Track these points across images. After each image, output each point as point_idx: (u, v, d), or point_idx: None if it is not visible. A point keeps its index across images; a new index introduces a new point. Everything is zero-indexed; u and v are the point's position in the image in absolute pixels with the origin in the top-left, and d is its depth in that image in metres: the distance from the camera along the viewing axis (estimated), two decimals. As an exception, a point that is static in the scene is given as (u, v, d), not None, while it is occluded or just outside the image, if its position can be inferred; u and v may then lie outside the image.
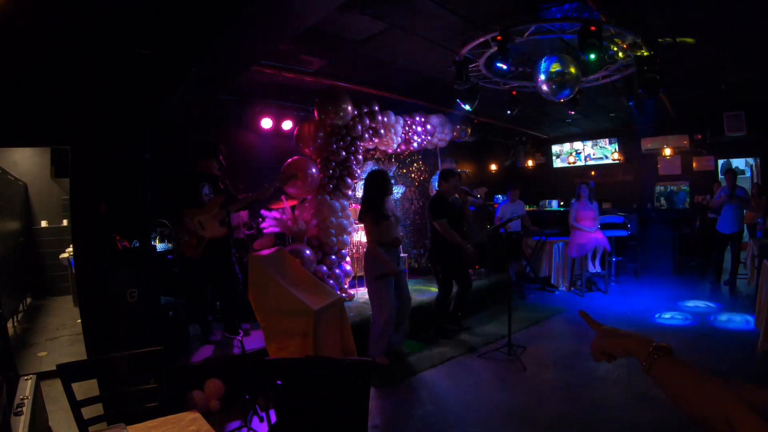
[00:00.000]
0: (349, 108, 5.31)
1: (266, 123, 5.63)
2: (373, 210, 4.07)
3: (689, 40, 4.52)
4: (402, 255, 5.07)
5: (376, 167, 7.10)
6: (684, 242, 8.08)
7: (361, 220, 4.26)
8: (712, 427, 0.71)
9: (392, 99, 6.09)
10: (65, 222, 7.10)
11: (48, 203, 7.30)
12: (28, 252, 6.80)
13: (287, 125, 5.78)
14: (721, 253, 7.04)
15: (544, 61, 4.35)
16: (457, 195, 4.98)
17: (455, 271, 4.98)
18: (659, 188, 9.47)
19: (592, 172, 10.32)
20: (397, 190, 7.22)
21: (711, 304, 5.93)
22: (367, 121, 5.67)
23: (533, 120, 8.62)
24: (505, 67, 4.20)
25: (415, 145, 6.72)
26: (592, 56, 3.67)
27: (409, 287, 4.57)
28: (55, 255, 6.79)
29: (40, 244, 7.13)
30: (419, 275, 6.90)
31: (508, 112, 5.69)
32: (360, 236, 6.08)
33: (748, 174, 9.56)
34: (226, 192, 4.14)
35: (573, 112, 6.55)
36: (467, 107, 5.28)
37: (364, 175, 6.86)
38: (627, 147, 9.80)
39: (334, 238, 5.34)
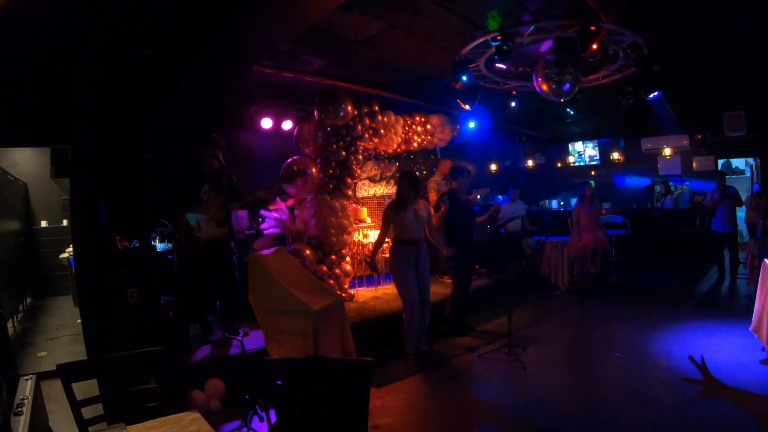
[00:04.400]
0: (349, 108, 5.31)
1: (266, 123, 5.63)
2: (394, 202, 4.41)
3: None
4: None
5: (377, 167, 7.13)
6: (684, 242, 8.08)
7: None
8: None
9: (392, 99, 6.09)
10: (65, 222, 7.10)
11: (48, 203, 7.29)
12: (28, 252, 6.80)
13: (287, 125, 5.78)
14: (720, 252, 7.05)
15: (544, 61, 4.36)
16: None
17: (464, 268, 5.01)
18: (659, 188, 9.48)
19: (592, 172, 10.32)
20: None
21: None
22: (367, 121, 5.67)
23: (533, 120, 8.62)
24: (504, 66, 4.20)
25: (415, 145, 6.71)
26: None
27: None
28: (55, 255, 6.79)
29: (40, 244, 7.13)
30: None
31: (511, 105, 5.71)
32: (359, 236, 6.08)
33: (748, 174, 9.57)
34: (228, 189, 4.08)
35: (572, 112, 6.56)
36: (467, 107, 5.29)
37: (364, 176, 6.91)
38: (627, 147, 9.81)
39: (334, 239, 5.33)
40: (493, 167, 10.57)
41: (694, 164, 9.00)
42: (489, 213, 5.35)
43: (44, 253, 7.08)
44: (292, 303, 3.47)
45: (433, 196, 6.52)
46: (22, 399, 1.88)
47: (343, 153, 5.47)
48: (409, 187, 4.33)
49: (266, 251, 3.96)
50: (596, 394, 3.54)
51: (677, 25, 4.25)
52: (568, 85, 4.53)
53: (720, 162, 8.85)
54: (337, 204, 5.42)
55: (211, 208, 3.94)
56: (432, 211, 4.69)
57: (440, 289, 5.83)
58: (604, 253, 6.85)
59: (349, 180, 5.61)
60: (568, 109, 6.52)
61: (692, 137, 8.77)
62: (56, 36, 3.01)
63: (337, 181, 5.50)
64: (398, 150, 6.68)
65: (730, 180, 8.12)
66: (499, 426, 3.17)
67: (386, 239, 4.61)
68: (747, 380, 3.61)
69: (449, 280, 5.51)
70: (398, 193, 4.42)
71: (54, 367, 1.92)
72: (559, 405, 3.40)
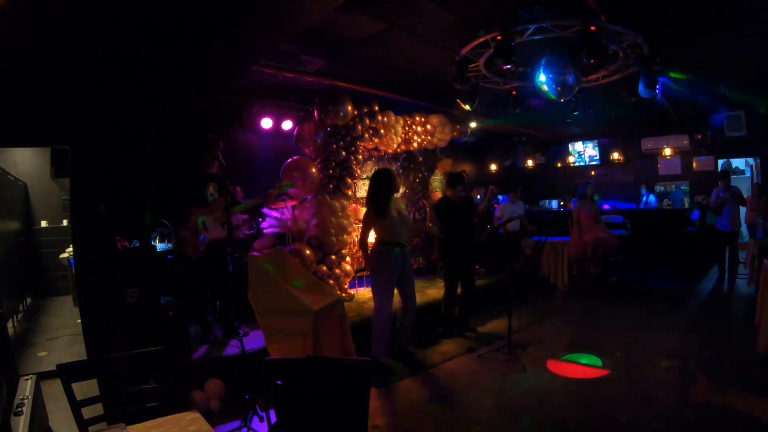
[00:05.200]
0: (349, 108, 5.31)
1: (266, 123, 5.63)
2: (373, 205, 4.12)
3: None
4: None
5: (377, 167, 7.12)
6: (684, 242, 8.09)
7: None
8: None
9: (392, 99, 6.09)
10: (65, 222, 7.10)
11: (48, 203, 7.29)
12: (28, 252, 6.80)
13: (287, 125, 5.78)
14: (723, 252, 7.05)
15: (544, 62, 4.36)
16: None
17: (460, 270, 5.00)
18: (659, 188, 9.49)
19: (592, 172, 10.33)
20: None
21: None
22: (367, 121, 5.67)
23: (533, 120, 8.61)
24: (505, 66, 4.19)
25: (415, 145, 6.71)
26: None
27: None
28: (55, 255, 6.79)
29: (40, 244, 7.13)
30: (419, 275, 6.89)
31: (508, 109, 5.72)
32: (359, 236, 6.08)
33: (748, 174, 9.58)
34: (228, 192, 4.10)
35: (576, 113, 6.56)
36: (467, 107, 5.29)
37: (364, 175, 6.91)
38: (627, 147, 9.81)
39: (334, 238, 5.34)
40: (493, 167, 10.57)
41: (694, 164, 9.00)
42: (487, 198, 5.40)
43: (44, 253, 7.08)
44: (292, 303, 3.47)
45: (438, 195, 6.54)
46: (22, 399, 1.88)
47: (343, 153, 5.48)
48: (385, 184, 4.09)
49: (266, 251, 3.96)
50: (596, 394, 3.54)
51: (677, 25, 4.25)
52: (569, 86, 4.54)
53: (720, 162, 8.85)
54: (337, 204, 5.43)
55: (217, 209, 3.95)
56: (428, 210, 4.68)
57: (440, 289, 5.83)
58: (604, 253, 6.85)
59: (349, 180, 5.61)
60: (575, 113, 6.50)
61: (692, 137, 8.78)
62: (56, 36, 3.01)
63: (337, 181, 5.50)
64: (398, 150, 6.68)
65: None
66: (499, 426, 3.16)
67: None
68: (743, 380, 3.61)
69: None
70: (374, 194, 4.15)
71: (54, 367, 1.92)
72: (558, 405, 3.40)
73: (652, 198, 9.20)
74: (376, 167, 7.08)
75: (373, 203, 4.13)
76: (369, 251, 4.17)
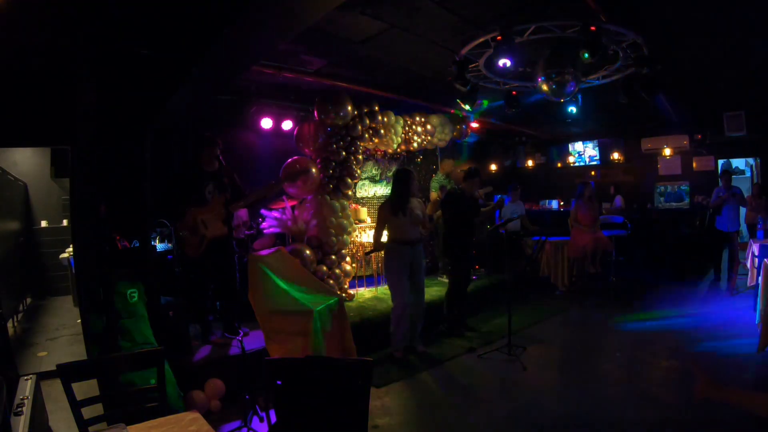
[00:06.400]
0: (349, 108, 5.31)
1: (266, 123, 5.63)
2: (390, 202, 4.33)
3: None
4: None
5: (377, 167, 7.12)
6: (684, 242, 8.08)
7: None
8: None
9: (392, 99, 6.09)
10: (65, 222, 7.10)
11: (48, 203, 7.30)
12: (28, 252, 6.80)
13: (287, 125, 5.78)
14: (720, 252, 7.05)
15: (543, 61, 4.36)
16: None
17: (462, 265, 5.04)
18: (659, 188, 9.47)
19: (592, 172, 10.32)
20: None
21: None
22: (367, 121, 5.67)
23: (533, 120, 8.62)
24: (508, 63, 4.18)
25: (415, 145, 6.71)
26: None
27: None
28: (55, 255, 6.79)
29: (40, 244, 7.13)
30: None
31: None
32: (359, 236, 6.08)
33: (748, 174, 9.58)
34: (231, 188, 4.10)
35: (573, 111, 6.55)
36: (467, 107, 5.29)
37: (364, 176, 6.91)
38: (627, 147, 9.81)
39: (334, 238, 5.33)
40: (493, 167, 10.56)
41: (694, 164, 9.00)
42: (494, 205, 5.50)
43: (44, 253, 7.08)
44: (292, 303, 3.47)
45: (434, 195, 6.55)
46: (22, 399, 1.88)
47: (343, 153, 5.47)
48: (405, 184, 4.31)
49: (266, 251, 3.96)
50: (596, 393, 3.54)
51: (677, 25, 4.25)
52: (569, 86, 4.53)
53: (720, 162, 8.85)
54: (337, 204, 5.42)
55: (215, 207, 3.95)
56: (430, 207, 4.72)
57: (440, 288, 5.84)
58: (604, 253, 6.85)
59: (349, 180, 5.61)
60: (571, 109, 6.48)
61: (692, 137, 8.77)
62: (57, 36, 3.01)
63: (337, 181, 5.50)
64: (398, 150, 6.68)
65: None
66: (499, 426, 3.16)
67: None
68: (744, 379, 3.61)
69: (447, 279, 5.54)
70: (393, 193, 4.40)
71: (54, 367, 1.92)
72: (558, 405, 3.40)
73: (617, 200, 9.16)
74: (376, 167, 7.11)
75: (390, 201, 4.37)
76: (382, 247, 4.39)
